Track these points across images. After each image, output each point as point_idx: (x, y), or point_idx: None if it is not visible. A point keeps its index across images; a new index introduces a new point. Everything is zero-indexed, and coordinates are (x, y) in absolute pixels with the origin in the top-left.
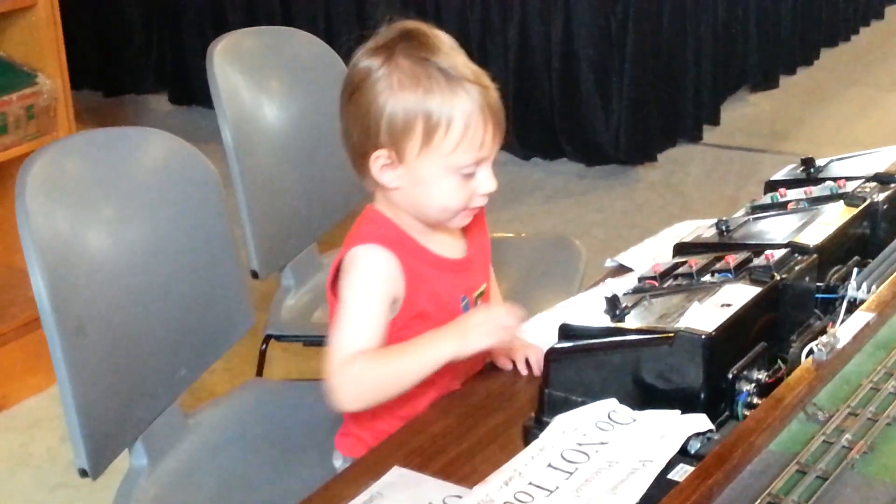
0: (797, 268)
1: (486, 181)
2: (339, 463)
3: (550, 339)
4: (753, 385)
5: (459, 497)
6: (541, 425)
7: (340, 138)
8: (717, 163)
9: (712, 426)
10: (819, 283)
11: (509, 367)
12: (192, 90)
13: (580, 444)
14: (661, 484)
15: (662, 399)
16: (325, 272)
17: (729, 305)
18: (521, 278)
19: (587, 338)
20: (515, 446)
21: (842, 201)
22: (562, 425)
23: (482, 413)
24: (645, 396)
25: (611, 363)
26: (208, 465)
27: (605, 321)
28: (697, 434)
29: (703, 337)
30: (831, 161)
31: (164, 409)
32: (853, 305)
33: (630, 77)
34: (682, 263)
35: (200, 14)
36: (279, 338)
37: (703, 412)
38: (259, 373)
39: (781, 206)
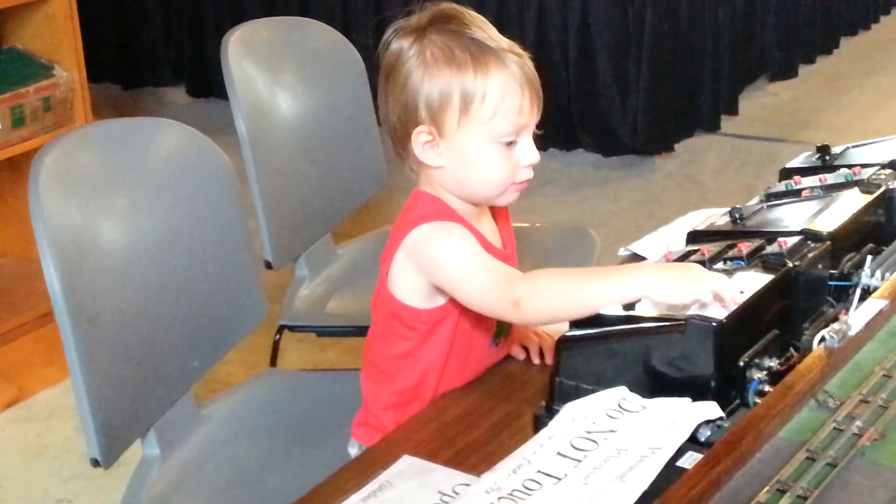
0: (810, 255)
1: (528, 151)
2: (354, 451)
3: (562, 328)
4: (765, 373)
5: (468, 485)
6: (551, 413)
7: (382, 123)
8: (735, 152)
9: (722, 414)
10: (833, 271)
11: (522, 356)
12: (210, 82)
13: (589, 432)
14: (671, 471)
15: (673, 387)
16: (339, 262)
17: (741, 293)
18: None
19: (598, 326)
20: (526, 435)
21: (856, 188)
22: (571, 413)
23: (493, 402)
24: (655, 384)
25: (622, 351)
26: (221, 455)
27: (617, 309)
28: (708, 422)
29: (715, 325)
30: (846, 148)
31: (177, 399)
32: (867, 293)
33: (647, 67)
34: (695, 251)
35: (219, 6)
36: (293, 328)
37: (713, 400)
38: (273, 363)
39: (796, 194)
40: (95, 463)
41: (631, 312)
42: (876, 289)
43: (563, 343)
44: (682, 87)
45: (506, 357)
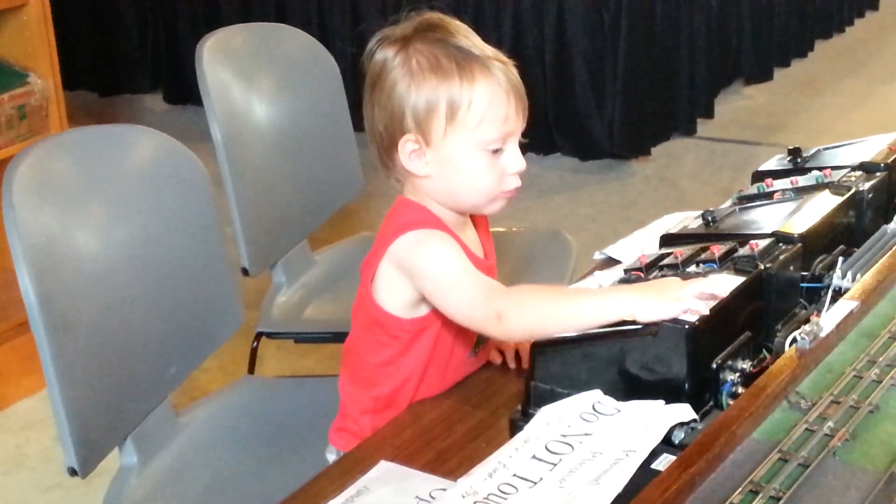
0: (781, 257)
1: (514, 159)
2: (332, 457)
3: None
4: (738, 374)
5: (445, 490)
6: (527, 418)
7: (367, 133)
8: (711, 156)
9: (696, 416)
10: (804, 273)
11: (499, 360)
12: (187, 89)
13: (564, 436)
14: (645, 473)
15: (647, 389)
16: (316, 269)
17: (713, 299)
18: (513, 271)
19: None
20: (502, 439)
21: (827, 190)
22: (546, 417)
23: (469, 406)
24: (630, 387)
25: (596, 354)
26: (200, 462)
27: None
28: (681, 424)
29: (688, 327)
30: (818, 151)
31: (155, 407)
32: (838, 294)
33: (623, 71)
34: (668, 254)
35: (195, 13)
36: (271, 335)
37: (687, 402)
38: (251, 370)
39: (768, 196)
40: (73, 472)
41: None
42: (847, 290)
43: (537, 347)
44: (659, 91)
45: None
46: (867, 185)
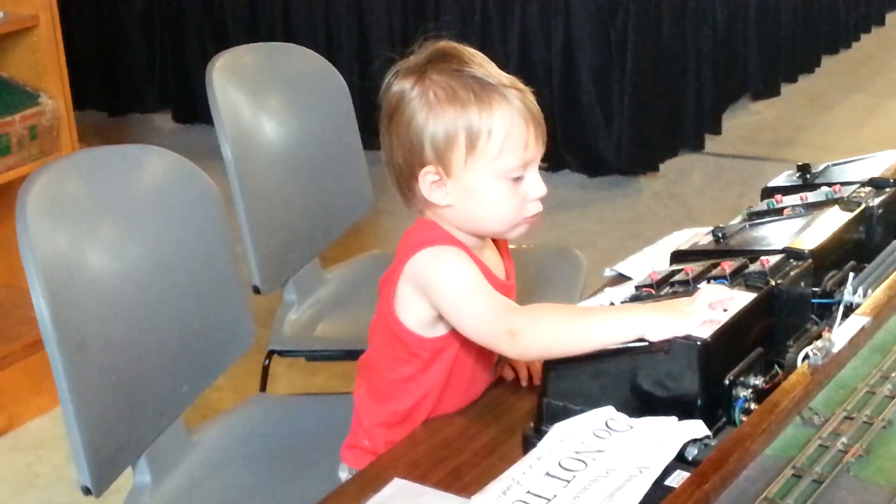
0: (792, 273)
1: (535, 185)
2: (344, 475)
3: None
4: (750, 391)
5: None
6: (540, 434)
7: (385, 165)
8: (719, 171)
9: (709, 432)
10: (815, 288)
11: (511, 376)
12: (195, 108)
13: (578, 452)
14: (658, 490)
15: (660, 406)
16: (326, 287)
17: (725, 311)
18: (524, 289)
19: None
20: (516, 456)
21: (837, 206)
22: (559, 434)
23: (482, 423)
24: (642, 404)
25: (608, 371)
26: (212, 481)
27: None
28: (694, 440)
29: (699, 344)
30: (827, 167)
31: (167, 425)
32: (849, 310)
33: (631, 87)
34: (679, 271)
35: (203, 32)
36: (282, 353)
37: (700, 418)
38: (262, 388)
39: (777, 213)
40: (87, 491)
41: None
42: (858, 306)
43: (550, 364)
44: (666, 107)
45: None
46: (877, 201)
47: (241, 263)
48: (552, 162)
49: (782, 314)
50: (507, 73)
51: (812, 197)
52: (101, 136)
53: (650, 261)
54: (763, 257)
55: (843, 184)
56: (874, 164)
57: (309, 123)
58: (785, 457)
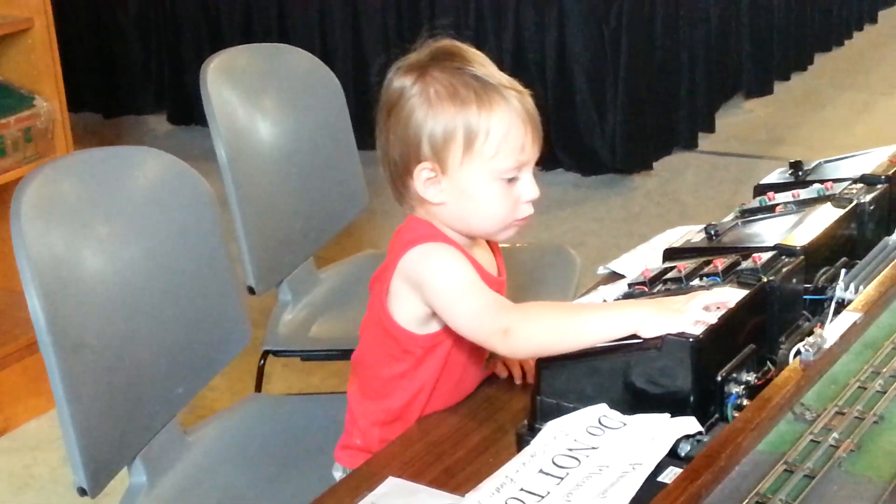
0: (784, 270)
1: (529, 187)
2: (338, 475)
3: None
4: (743, 387)
5: None
6: (533, 432)
7: (380, 160)
8: (713, 170)
9: (701, 428)
10: (807, 285)
11: (505, 374)
12: (191, 109)
13: (571, 450)
14: (651, 486)
15: (652, 403)
16: (321, 287)
17: (717, 309)
18: (518, 287)
19: None
20: (509, 453)
21: (829, 203)
22: (553, 431)
23: (476, 421)
24: (635, 401)
25: (601, 369)
26: (208, 481)
27: None
28: (687, 436)
29: (692, 340)
30: (819, 164)
31: (163, 426)
32: (841, 306)
33: (624, 86)
34: (672, 268)
35: (198, 33)
36: (277, 353)
37: (692, 415)
38: (258, 388)
39: (770, 210)
40: (82, 492)
41: None
42: (850, 302)
43: (543, 362)
44: (660, 106)
45: (489, 377)
46: (868, 198)
47: (235, 264)
48: (546, 161)
49: (774, 311)
50: (502, 72)
51: (804, 194)
52: (96, 137)
53: (643, 258)
54: (755, 254)
55: (834, 181)
56: (866, 161)
57: (303, 124)
58: (777, 452)
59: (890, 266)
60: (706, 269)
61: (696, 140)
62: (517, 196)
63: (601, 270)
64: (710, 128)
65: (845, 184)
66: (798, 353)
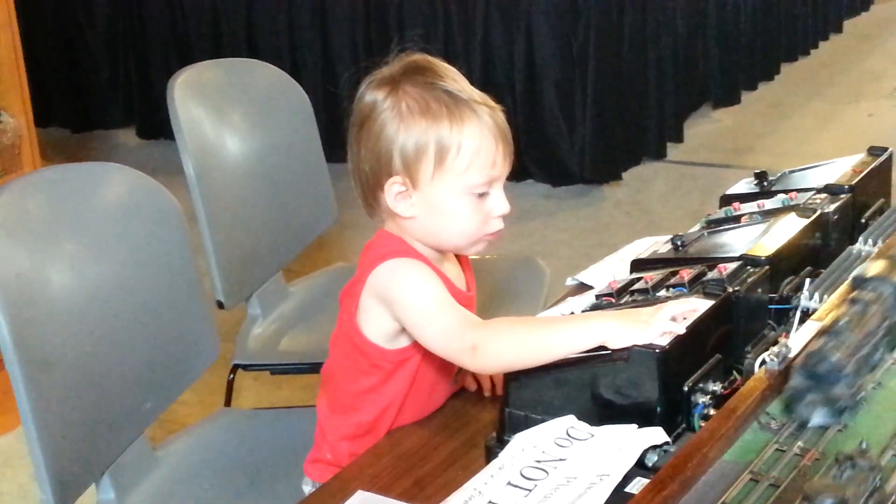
0: (749, 280)
1: (499, 202)
2: (308, 489)
3: None
4: (709, 397)
5: None
6: (502, 444)
7: (351, 173)
8: (681, 179)
9: (668, 439)
10: (772, 294)
11: (474, 387)
12: (159, 124)
13: (539, 461)
14: (619, 497)
15: (620, 414)
16: (291, 301)
17: (683, 319)
18: (487, 299)
19: None
20: (478, 466)
21: (793, 213)
22: (521, 443)
23: (445, 434)
24: (603, 412)
25: (569, 380)
26: (177, 496)
27: None
28: (654, 447)
29: (658, 351)
30: (784, 174)
31: (131, 442)
32: (806, 315)
33: (593, 97)
34: (639, 279)
35: (166, 48)
36: (247, 367)
37: (659, 425)
38: (227, 403)
39: (735, 220)
40: None
41: None
42: (815, 311)
43: (511, 374)
44: (628, 117)
45: (458, 389)
46: (832, 207)
47: (204, 279)
48: (516, 172)
49: (740, 320)
50: (473, 87)
51: (769, 204)
52: (64, 152)
53: (611, 269)
54: (721, 265)
55: (799, 191)
56: (830, 171)
57: (272, 138)
58: (743, 462)
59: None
60: (673, 280)
61: (664, 150)
62: (488, 211)
63: (569, 281)
64: (679, 137)
65: (809, 194)
66: (763, 362)
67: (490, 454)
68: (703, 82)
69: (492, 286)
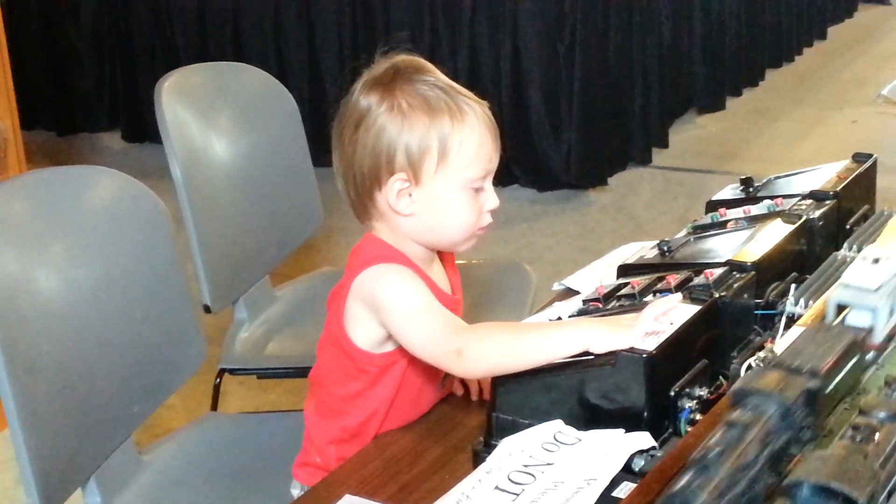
0: (735, 285)
1: (492, 197)
2: (296, 492)
3: None
4: (695, 402)
5: None
6: (489, 448)
7: (341, 175)
8: (667, 184)
9: (655, 443)
10: (758, 300)
11: (461, 391)
12: (145, 127)
13: (526, 466)
14: (606, 501)
15: (607, 418)
16: (277, 305)
17: (670, 324)
18: (473, 304)
19: None
20: (466, 470)
21: (779, 219)
22: (508, 447)
23: (432, 438)
24: (590, 417)
25: (556, 385)
26: (164, 501)
27: None
28: (641, 451)
29: (645, 356)
30: (769, 180)
31: (117, 446)
32: (791, 320)
33: (579, 103)
34: (625, 285)
35: (152, 51)
36: (233, 371)
37: (646, 430)
38: (214, 407)
39: (721, 226)
40: None
41: None
42: (800, 316)
43: (498, 379)
44: (614, 122)
45: (446, 394)
46: (817, 213)
47: (191, 282)
48: (502, 177)
49: (726, 326)
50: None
51: (755, 210)
52: (49, 155)
53: (598, 275)
54: (707, 270)
55: (784, 197)
56: (815, 177)
57: (258, 142)
58: None
59: (838, 280)
60: (659, 286)
61: (650, 155)
62: (481, 205)
63: (556, 287)
64: (664, 143)
65: (795, 200)
66: (749, 367)
67: (477, 459)
68: (689, 88)
69: (478, 291)
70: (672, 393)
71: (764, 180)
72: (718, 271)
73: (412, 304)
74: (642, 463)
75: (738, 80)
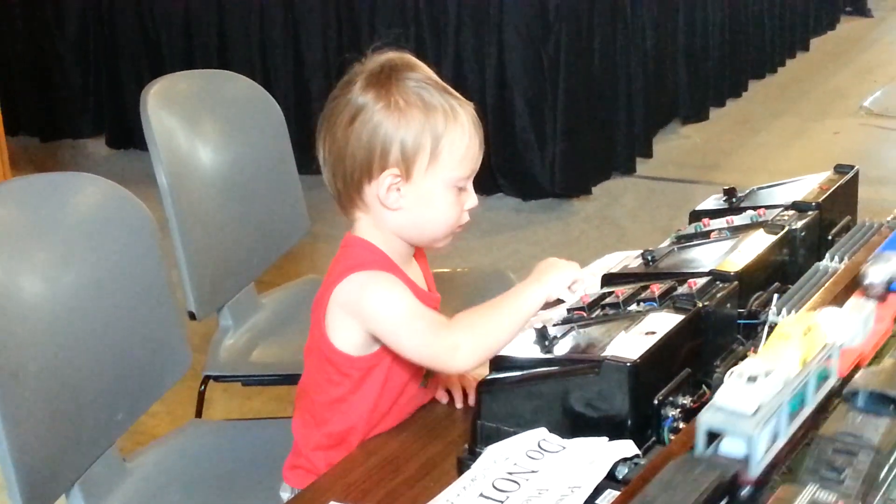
0: (718, 295)
1: (472, 196)
2: (286, 495)
3: (485, 370)
4: (679, 410)
5: None
6: (474, 456)
7: (328, 168)
8: (650, 194)
9: (639, 451)
10: (741, 310)
11: (446, 399)
12: (129, 134)
13: (511, 473)
14: None
15: (591, 426)
16: (262, 312)
17: (653, 333)
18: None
19: (517, 369)
20: (451, 477)
21: (762, 229)
22: (493, 455)
23: (418, 445)
24: (574, 424)
25: (541, 393)
26: None
27: (536, 352)
28: (625, 459)
29: (629, 365)
30: (752, 190)
31: (102, 453)
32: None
33: (563, 112)
34: (610, 294)
35: (137, 57)
36: (218, 378)
37: (630, 438)
38: (198, 414)
39: (705, 236)
40: None
41: (548, 355)
42: None
43: (483, 386)
44: (598, 132)
45: (431, 400)
46: (800, 224)
47: (176, 289)
48: (487, 186)
49: (709, 335)
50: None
51: (738, 220)
52: (33, 162)
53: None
54: (691, 280)
55: (767, 207)
56: (797, 188)
57: (244, 149)
58: None
59: (820, 291)
60: (643, 295)
61: (633, 165)
62: (462, 204)
63: None
64: (648, 153)
65: (777, 210)
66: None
67: (462, 466)
68: (672, 98)
69: (462, 300)
70: (655, 401)
71: (747, 191)
72: (702, 281)
73: (399, 311)
74: (626, 471)
75: (721, 90)
